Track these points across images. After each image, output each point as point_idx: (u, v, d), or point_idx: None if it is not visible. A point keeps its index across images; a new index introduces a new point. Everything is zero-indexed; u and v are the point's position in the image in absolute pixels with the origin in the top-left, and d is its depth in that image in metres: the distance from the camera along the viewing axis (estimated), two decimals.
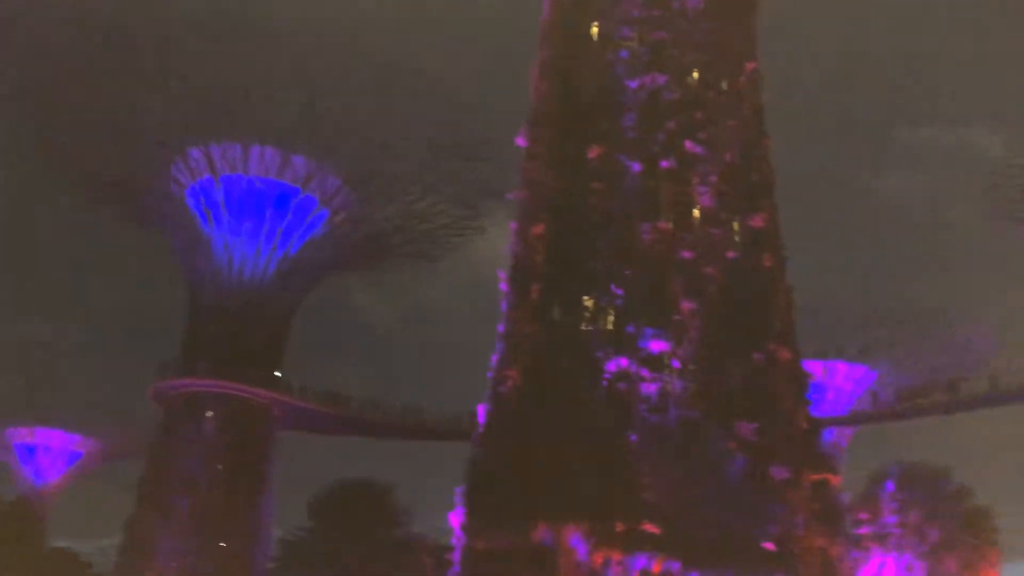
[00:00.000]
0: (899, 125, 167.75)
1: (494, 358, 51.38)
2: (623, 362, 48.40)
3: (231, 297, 76.45)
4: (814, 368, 68.49)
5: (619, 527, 42.45)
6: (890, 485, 61.61)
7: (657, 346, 48.68)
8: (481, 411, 50.96)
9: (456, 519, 47.20)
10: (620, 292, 50.05)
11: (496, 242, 67.48)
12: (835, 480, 51.96)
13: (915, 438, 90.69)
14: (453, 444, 69.99)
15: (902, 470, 63.07)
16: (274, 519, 77.86)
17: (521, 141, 56.78)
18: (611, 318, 50.09)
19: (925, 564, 59.40)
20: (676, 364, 48.88)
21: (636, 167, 52.21)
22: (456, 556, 46.99)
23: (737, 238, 52.98)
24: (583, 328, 50.28)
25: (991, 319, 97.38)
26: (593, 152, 52.52)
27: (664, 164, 52.15)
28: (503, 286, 53.11)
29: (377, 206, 77.70)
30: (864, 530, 59.11)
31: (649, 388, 48.12)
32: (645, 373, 48.15)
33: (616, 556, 42.17)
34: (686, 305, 49.33)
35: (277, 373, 78.52)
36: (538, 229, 52.51)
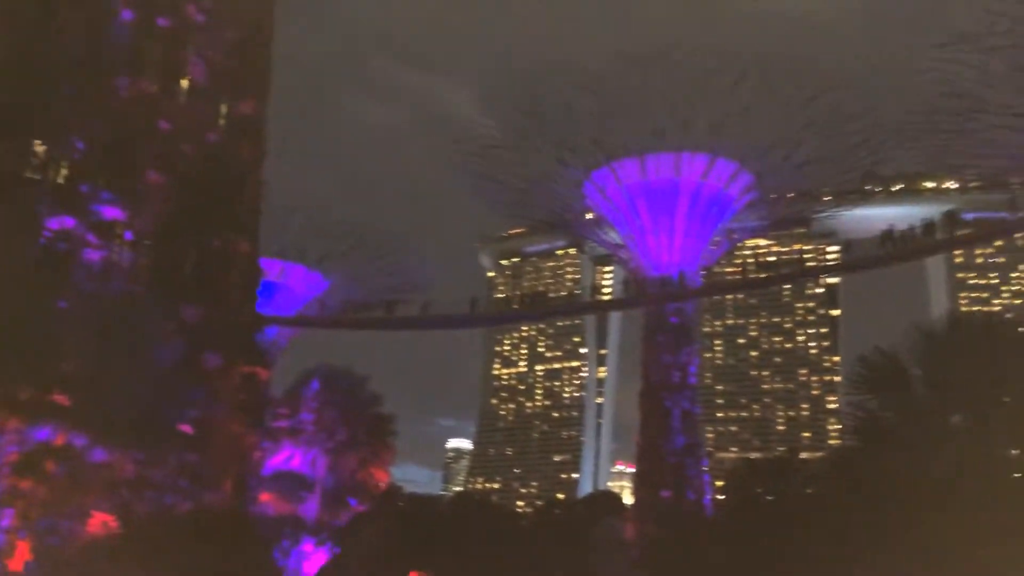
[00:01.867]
0: (383, 60, 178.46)
1: None
2: (68, 222, 44.40)
3: None
4: (271, 266, 70.04)
5: (22, 394, 39.09)
6: (315, 385, 65.95)
7: (111, 212, 45.53)
8: None
9: None
10: (80, 147, 45.57)
11: None
12: (265, 375, 54.23)
13: (349, 347, 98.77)
14: None
15: (327, 373, 67.86)
16: None
17: None
18: (64, 172, 45.40)
19: (329, 459, 64.93)
20: (129, 236, 46.30)
21: (127, 15, 47.61)
22: None
23: (222, 121, 51.57)
24: (28, 176, 44.77)
25: (435, 252, 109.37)
26: None
27: (160, 21, 48.45)
28: None
29: None
30: (282, 424, 62.41)
31: (93, 255, 44.95)
32: (92, 239, 44.81)
33: (14, 424, 38.82)
34: (153, 177, 46.83)
35: None
36: None
